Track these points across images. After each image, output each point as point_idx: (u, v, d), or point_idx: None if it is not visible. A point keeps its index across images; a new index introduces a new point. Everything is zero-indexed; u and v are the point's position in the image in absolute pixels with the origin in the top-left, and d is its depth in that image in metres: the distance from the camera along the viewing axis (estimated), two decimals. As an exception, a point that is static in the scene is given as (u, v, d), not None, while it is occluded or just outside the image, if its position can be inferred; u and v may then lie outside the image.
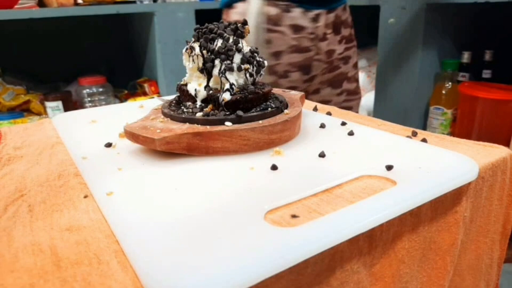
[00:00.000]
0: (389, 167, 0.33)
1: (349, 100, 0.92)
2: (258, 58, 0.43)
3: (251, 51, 0.42)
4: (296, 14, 0.79)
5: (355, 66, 0.92)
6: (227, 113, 0.40)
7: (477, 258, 0.39)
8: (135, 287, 0.22)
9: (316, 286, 0.26)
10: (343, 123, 0.46)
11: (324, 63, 0.85)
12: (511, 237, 0.42)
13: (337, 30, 0.85)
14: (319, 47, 0.83)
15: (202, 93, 0.41)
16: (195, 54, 0.41)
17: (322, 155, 0.36)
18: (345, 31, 0.87)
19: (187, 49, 0.42)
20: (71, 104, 1.47)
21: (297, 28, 0.80)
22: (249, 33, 0.44)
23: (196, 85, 0.42)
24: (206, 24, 0.42)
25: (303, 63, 0.83)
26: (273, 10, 0.79)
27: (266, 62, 0.45)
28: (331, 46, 0.84)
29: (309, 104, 0.58)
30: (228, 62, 0.40)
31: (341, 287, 0.28)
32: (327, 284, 0.27)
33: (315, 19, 0.80)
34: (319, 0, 0.80)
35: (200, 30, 0.42)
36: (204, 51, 0.40)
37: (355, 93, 0.94)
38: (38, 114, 1.42)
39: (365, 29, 1.50)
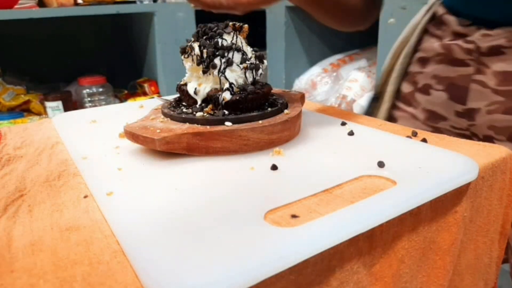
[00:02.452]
0: (380, 164, 0.33)
1: None
2: (258, 58, 0.43)
3: (251, 51, 0.42)
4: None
5: None
6: (227, 113, 0.40)
7: (476, 258, 0.39)
8: (135, 287, 0.22)
9: (316, 286, 0.26)
10: (343, 123, 0.46)
11: (493, 91, 0.54)
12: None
13: None
14: (483, 62, 0.54)
15: (202, 93, 0.41)
16: (194, 54, 0.41)
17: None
18: None
19: (185, 48, 0.42)
20: (71, 104, 1.47)
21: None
22: (248, 32, 0.44)
23: (196, 85, 0.42)
24: (208, 25, 0.43)
25: (452, 82, 0.58)
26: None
27: (266, 62, 0.45)
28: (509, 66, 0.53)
29: (309, 104, 0.58)
30: (228, 61, 0.40)
31: (341, 287, 0.28)
32: (327, 284, 0.27)
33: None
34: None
35: (201, 29, 0.42)
36: (204, 50, 0.40)
37: None
38: (38, 114, 1.42)
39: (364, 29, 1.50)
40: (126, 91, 1.65)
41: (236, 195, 0.30)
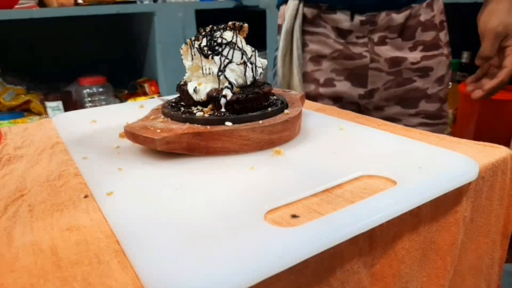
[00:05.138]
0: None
1: (427, 125, 0.72)
2: (257, 57, 0.43)
3: (251, 50, 0.42)
4: (340, 17, 0.68)
5: (441, 81, 0.72)
6: (227, 113, 0.40)
7: (477, 258, 0.39)
8: (135, 287, 0.22)
9: (316, 286, 0.26)
10: (343, 123, 0.46)
11: (386, 73, 0.69)
12: None
13: (409, 34, 0.68)
14: (376, 52, 0.68)
15: (202, 93, 0.41)
16: (194, 53, 0.41)
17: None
18: (426, 35, 0.68)
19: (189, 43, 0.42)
20: (71, 104, 1.47)
21: (341, 32, 0.69)
22: (247, 32, 0.44)
23: (196, 84, 0.42)
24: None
25: (353, 72, 0.70)
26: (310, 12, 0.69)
27: (266, 62, 0.45)
28: (397, 52, 0.68)
29: (309, 104, 0.58)
30: (228, 60, 0.40)
31: (341, 287, 0.27)
32: (327, 284, 0.27)
33: (365, 22, 0.67)
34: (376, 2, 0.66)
35: (203, 29, 0.42)
36: (205, 48, 0.40)
37: (438, 117, 0.73)
38: (38, 114, 1.42)
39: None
40: (126, 91, 1.65)
41: (236, 195, 0.30)
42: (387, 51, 0.68)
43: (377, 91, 0.71)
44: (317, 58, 0.72)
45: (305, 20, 0.70)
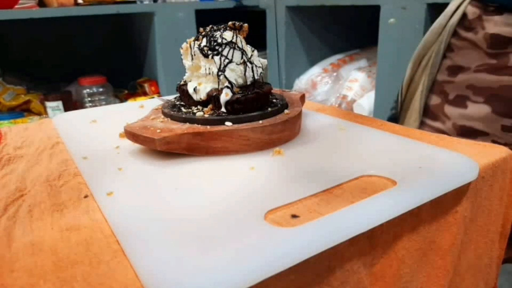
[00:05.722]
0: None
1: None
2: (257, 57, 0.43)
3: (251, 50, 0.42)
4: (499, 19, 0.52)
5: None
6: (227, 113, 0.40)
7: (476, 258, 0.39)
8: (135, 287, 0.22)
9: (316, 286, 0.26)
10: (343, 123, 0.46)
11: None
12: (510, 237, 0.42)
13: None
14: None
15: (202, 93, 0.41)
16: (194, 53, 0.41)
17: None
18: None
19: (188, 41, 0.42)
20: (71, 104, 1.47)
21: (498, 40, 0.52)
22: (247, 32, 0.44)
23: (196, 84, 0.42)
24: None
25: (497, 93, 0.52)
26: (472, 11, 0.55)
27: (266, 62, 0.45)
28: None
29: (309, 104, 0.58)
30: (228, 60, 0.40)
31: (341, 287, 0.27)
32: (327, 284, 0.27)
33: None
34: None
35: (203, 29, 0.42)
36: (205, 48, 0.40)
37: None
38: (38, 114, 1.42)
39: (365, 29, 1.50)
40: (126, 91, 1.65)
41: (236, 195, 0.30)
42: None
43: None
44: (455, 69, 0.57)
45: (462, 20, 0.56)
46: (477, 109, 0.53)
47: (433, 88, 0.59)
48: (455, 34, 0.57)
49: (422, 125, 0.61)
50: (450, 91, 0.56)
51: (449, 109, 0.56)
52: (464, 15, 0.56)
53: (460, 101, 0.54)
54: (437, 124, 0.58)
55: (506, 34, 0.51)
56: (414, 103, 0.61)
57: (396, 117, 0.65)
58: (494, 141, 0.52)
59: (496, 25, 0.52)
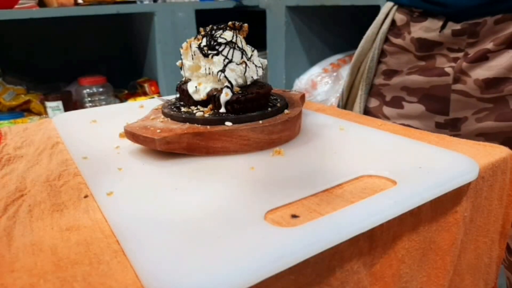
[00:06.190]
0: None
1: None
2: (257, 57, 0.43)
3: (251, 50, 0.42)
4: (426, 24, 0.55)
5: None
6: (227, 113, 0.40)
7: (476, 258, 0.39)
8: (135, 287, 0.22)
9: (316, 286, 0.26)
10: (343, 123, 0.46)
11: (478, 100, 0.52)
12: None
13: None
14: (464, 71, 0.52)
15: (202, 93, 0.41)
16: (194, 53, 0.41)
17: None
18: None
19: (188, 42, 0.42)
20: (71, 104, 1.47)
21: (424, 43, 0.56)
22: (248, 32, 0.44)
23: (196, 84, 0.42)
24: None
25: (429, 93, 0.56)
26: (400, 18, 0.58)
27: (266, 61, 0.45)
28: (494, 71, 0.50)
29: (309, 104, 0.58)
30: (228, 60, 0.40)
31: (341, 287, 0.27)
32: (327, 284, 0.27)
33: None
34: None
35: (203, 29, 0.42)
36: (205, 48, 0.40)
37: None
38: (38, 114, 1.42)
39: (365, 29, 1.50)
40: (126, 91, 1.65)
41: (236, 195, 0.30)
42: (483, 71, 0.51)
43: (464, 121, 0.54)
44: (390, 72, 0.61)
45: (392, 27, 0.60)
46: (412, 109, 0.58)
47: (371, 92, 0.63)
48: (386, 40, 0.62)
49: None
50: (386, 94, 0.61)
51: (387, 110, 0.61)
52: (393, 22, 0.60)
53: (396, 102, 0.59)
54: None
55: (430, 38, 0.55)
56: (355, 107, 0.66)
57: None
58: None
59: (421, 29, 0.56)
